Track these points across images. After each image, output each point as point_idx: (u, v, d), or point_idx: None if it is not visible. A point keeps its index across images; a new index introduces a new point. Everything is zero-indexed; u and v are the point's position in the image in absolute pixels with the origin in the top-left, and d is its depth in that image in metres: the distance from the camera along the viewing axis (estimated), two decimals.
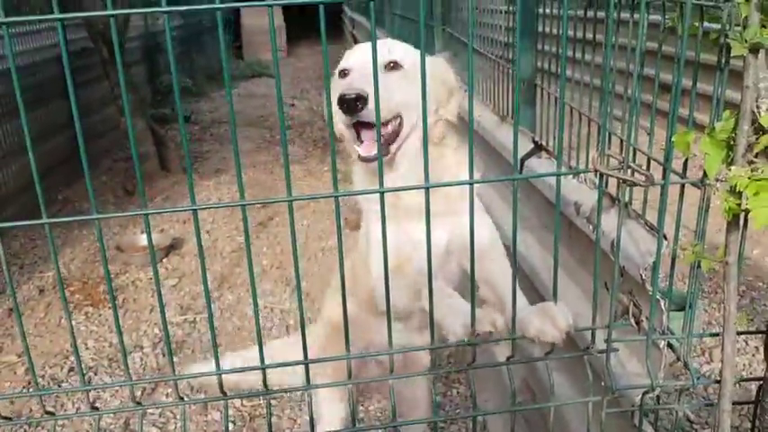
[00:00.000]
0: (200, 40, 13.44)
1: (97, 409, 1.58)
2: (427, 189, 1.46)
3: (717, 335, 1.63)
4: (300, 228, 5.99)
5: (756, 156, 1.39)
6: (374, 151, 1.79)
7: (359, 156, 1.87)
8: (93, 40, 7.17)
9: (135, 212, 1.49)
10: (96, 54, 7.26)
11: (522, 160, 2.62)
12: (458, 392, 3.53)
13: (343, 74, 1.95)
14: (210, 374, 1.61)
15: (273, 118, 10.56)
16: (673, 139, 1.48)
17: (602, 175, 1.60)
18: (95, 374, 4.02)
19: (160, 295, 1.53)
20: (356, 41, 12.47)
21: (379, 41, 1.55)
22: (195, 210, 1.46)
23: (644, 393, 1.61)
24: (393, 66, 1.93)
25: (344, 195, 1.58)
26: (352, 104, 1.74)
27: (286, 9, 16.15)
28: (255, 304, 1.54)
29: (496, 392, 2.93)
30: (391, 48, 1.97)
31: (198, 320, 4.53)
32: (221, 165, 8.05)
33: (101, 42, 7.05)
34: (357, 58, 1.95)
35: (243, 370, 1.81)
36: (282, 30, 16.95)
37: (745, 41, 1.31)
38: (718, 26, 1.39)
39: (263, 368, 1.60)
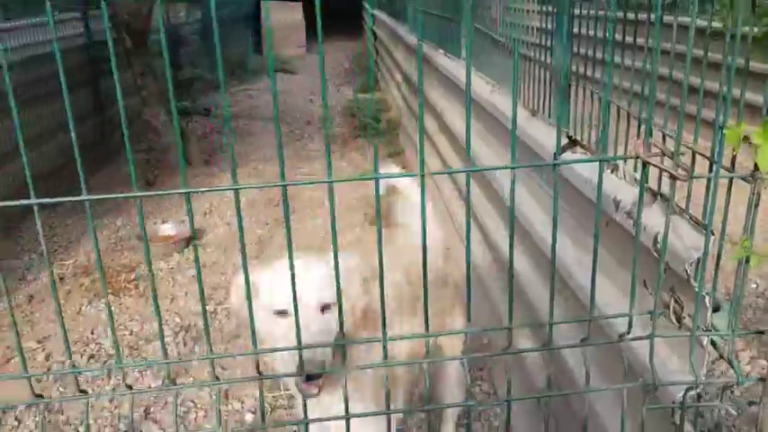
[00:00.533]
0: (223, 35, 13.44)
1: (131, 387, 1.57)
2: (422, 177, 1.43)
3: (762, 332, 1.59)
4: (318, 224, 5.98)
5: None
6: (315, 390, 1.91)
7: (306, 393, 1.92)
8: (116, 31, 7.21)
9: (176, 191, 1.47)
10: (120, 44, 7.29)
11: (556, 155, 2.59)
12: (480, 389, 3.50)
13: (282, 314, 1.97)
14: (248, 354, 1.60)
15: (293, 113, 10.57)
16: (724, 131, 1.45)
17: (645, 163, 1.57)
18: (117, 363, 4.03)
19: (200, 278, 1.52)
20: (376, 38, 12.46)
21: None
22: (236, 189, 1.45)
23: (687, 390, 1.58)
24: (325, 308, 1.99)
25: (339, 182, 1.54)
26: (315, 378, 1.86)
27: (307, 4, 16.18)
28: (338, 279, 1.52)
29: (522, 389, 2.90)
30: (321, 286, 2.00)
31: (218, 311, 4.53)
32: (239, 158, 8.04)
33: (124, 32, 7.08)
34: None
35: (280, 350, 1.80)
36: (302, 26, 16.95)
37: None
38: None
39: (300, 348, 1.58)
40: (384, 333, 1.56)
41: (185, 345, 4.15)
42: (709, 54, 1.63)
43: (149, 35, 7.56)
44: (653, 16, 1.57)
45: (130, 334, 4.31)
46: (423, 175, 1.50)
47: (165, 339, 4.19)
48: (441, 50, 5.75)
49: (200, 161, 7.65)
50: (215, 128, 9.54)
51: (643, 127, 1.62)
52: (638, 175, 1.69)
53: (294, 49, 16.21)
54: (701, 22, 1.61)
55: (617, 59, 2.27)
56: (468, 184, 1.52)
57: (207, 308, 4.83)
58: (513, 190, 1.50)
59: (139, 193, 1.42)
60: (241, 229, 1.47)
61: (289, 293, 1.65)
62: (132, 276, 5.11)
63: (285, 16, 16.05)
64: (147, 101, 7.45)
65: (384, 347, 1.58)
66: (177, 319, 4.46)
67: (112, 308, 4.63)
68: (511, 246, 1.55)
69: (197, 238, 5.73)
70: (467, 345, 2.16)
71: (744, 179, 1.51)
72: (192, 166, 7.56)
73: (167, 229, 5.74)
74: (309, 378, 1.88)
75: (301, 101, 11.31)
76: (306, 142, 8.78)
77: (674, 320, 1.71)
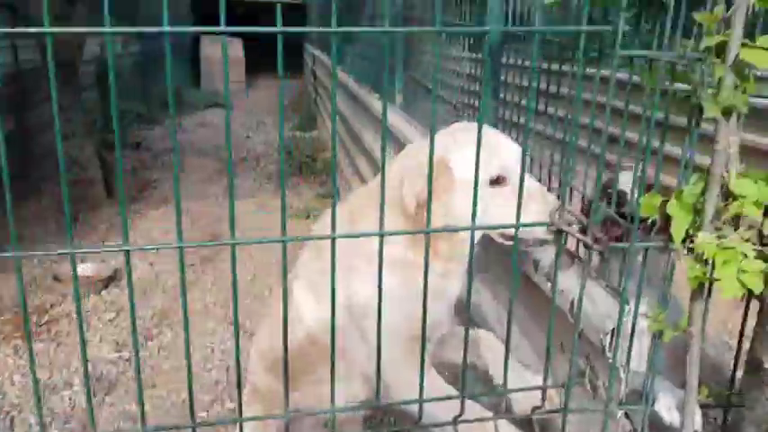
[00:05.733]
0: (158, 68, 13.27)
1: None
2: (333, 240, 1.36)
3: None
4: (248, 264, 5.81)
5: (724, 223, 1.34)
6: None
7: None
8: (44, 60, 6.97)
9: (60, 252, 1.34)
10: (47, 74, 7.05)
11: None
12: None
13: (500, 181, 1.80)
14: None
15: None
16: (639, 200, 1.42)
17: (560, 231, 1.53)
18: (19, 413, 3.76)
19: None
20: (315, 77, 12.47)
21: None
22: (128, 251, 1.33)
23: None
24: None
25: (293, 241, 1.47)
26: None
27: (246, 41, 16.12)
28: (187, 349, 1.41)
29: None
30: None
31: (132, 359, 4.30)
32: (171, 194, 7.83)
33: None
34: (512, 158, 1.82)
35: (170, 429, 1.66)
36: (241, 63, 16.90)
37: (719, 103, 1.27)
38: (688, 86, 1.35)
39: (194, 426, 1.46)
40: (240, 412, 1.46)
41: (95, 395, 3.90)
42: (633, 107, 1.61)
43: (80, 66, 7.34)
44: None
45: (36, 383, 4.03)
46: (334, 238, 1.42)
47: (74, 388, 3.99)
48: (376, 95, 5.75)
49: (128, 197, 7.40)
50: (143, 162, 9.28)
51: (558, 194, 1.58)
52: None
53: (233, 83, 16.10)
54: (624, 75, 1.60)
55: (541, 107, 2.27)
56: (381, 247, 1.44)
57: (122, 355, 4.51)
58: (426, 256, 1.43)
59: (17, 253, 1.29)
60: (132, 306, 1.35)
61: (503, 156, 1.74)
62: (45, 319, 4.82)
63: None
64: (74, 133, 7.19)
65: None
66: (90, 367, 4.19)
67: (21, 352, 4.36)
68: (468, 301, 1.48)
69: (117, 278, 5.49)
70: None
71: (659, 249, 1.49)
72: (118, 201, 7.30)
73: (86, 269, 5.47)
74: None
75: (237, 137, 11.15)
76: (240, 179, 8.61)
77: (590, 389, 1.66)
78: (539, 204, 1.64)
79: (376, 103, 5.51)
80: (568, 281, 1.79)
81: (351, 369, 1.93)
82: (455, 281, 1.94)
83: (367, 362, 1.88)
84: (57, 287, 5.24)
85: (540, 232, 1.69)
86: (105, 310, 4.95)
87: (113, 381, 4.06)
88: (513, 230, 1.69)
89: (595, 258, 2.07)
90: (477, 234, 1.85)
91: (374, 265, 1.37)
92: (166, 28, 1.18)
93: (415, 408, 1.59)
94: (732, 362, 1.60)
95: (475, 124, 2.05)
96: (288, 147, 10.04)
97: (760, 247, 1.33)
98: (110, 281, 5.39)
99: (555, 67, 2.24)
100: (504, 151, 1.80)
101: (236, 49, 16.37)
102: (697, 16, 1.26)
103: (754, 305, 1.44)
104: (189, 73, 16.06)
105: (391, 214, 1.69)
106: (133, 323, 1.37)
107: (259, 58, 15.25)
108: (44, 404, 3.84)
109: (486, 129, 1.84)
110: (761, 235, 1.34)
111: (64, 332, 4.66)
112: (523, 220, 1.44)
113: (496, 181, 1.78)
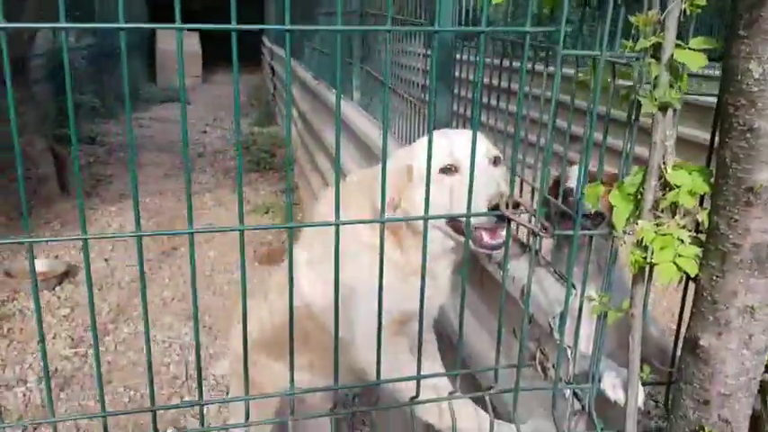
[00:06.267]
0: (113, 62, 13.03)
1: None
2: (290, 228, 1.41)
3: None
4: (206, 260, 5.80)
5: (662, 211, 1.42)
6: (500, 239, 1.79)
7: (486, 246, 1.83)
8: None
9: (17, 239, 1.36)
10: None
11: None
12: None
13: (450, 170, 1.87)
14: (94, 417, 1.48)
15: None
16: (583, 191, 1.50)
17: (509, 220, 1.60)
18: None
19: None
20: (274, 73, 12.41)
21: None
22: (86, 239, 1.34)
23: None
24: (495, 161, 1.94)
25: (252, 229, 1.51)
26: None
27: (203, 35, 15.92)
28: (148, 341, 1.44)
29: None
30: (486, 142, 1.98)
31: (89, 354, 4.26)
32: (126, 190, 7.72)
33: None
34: (464, 151, 1.86)
35: (130, 412, 1.68)
36: (198, 57, 16.69)
37: (655, 100, 1.35)
38: (629, 83, 1.43)
39: (154, 410, 1.49)
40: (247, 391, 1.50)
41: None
42: (579, 102, 1.68)
43: (30, 60, 7.18)
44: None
45: None
46: (291, 227, 1.47)
47: (28, 385, 3.95)
48: (334, 90, 5.78)
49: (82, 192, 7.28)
50: (97, 157, 9.13)
51: (507, 183, 1.65)
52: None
53: (189, 78, 15.87)
54: (570, 70, 1.67)
55: (493, 103, 2.34)
56: (337, 237, 1.49)
57: (77, 351, 4.48)
58: (382, 245, 1.48)
59: None
60: (91, 296, 1.37)
61: (455, 150, 1.82)
62: None
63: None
64: (25, 128, 7.03)
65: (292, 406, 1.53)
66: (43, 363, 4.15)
67: None
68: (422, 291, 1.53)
69: (71, 275, 5.42)
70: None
71: (602, 236, 1.57)
72: (72, 197, 7.18)
73: (40, 265, 5.37)
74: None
75: (194, 132, 11.03)
76: (197, 174, 8.54)
77: (540, 371, 1.74)
78: (486, 188, 1.71)
79: (334, 99, 5.54)
80: (520, 270, 1.87)
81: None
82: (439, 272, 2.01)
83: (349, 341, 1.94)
84: (9, 283, 5.15)
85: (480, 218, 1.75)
86: (59, 307, 4.89)
87: (68, 377, 4.03)
88: (461, 222, 1.78)
89: (548, 248, 2.16)
90: (436, 228, 1.90)
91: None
92: (123, 24, 1.20)
93: (398, 387, 1.74)
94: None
95: (450, 130, 2.14)
96: (245, 142, 10.00)
97: (695, 234, 1.42)
98: (63, 277, 5.32)
99: (507, 63, 2.31)
100: (456, 144, 1.87)
101: (193, 43, 16.14)
102: (633, 19, 1.34)
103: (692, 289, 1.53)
104: (145, 67, 15.80)
105: (366, 207, 1.93)
106: (92, 311, 1.39)
107: (217, 52, 15.11)
108: None
109: (452, 130, 2.02)
110: (696, 222, 1.43)
111: (16, 329, 4.59)
112: (474, 205, 1.50)
113: (448, 170, 1.85)
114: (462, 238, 1.83)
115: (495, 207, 1.62)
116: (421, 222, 1.82)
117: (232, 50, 1.29)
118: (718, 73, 1.52)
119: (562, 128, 1.78)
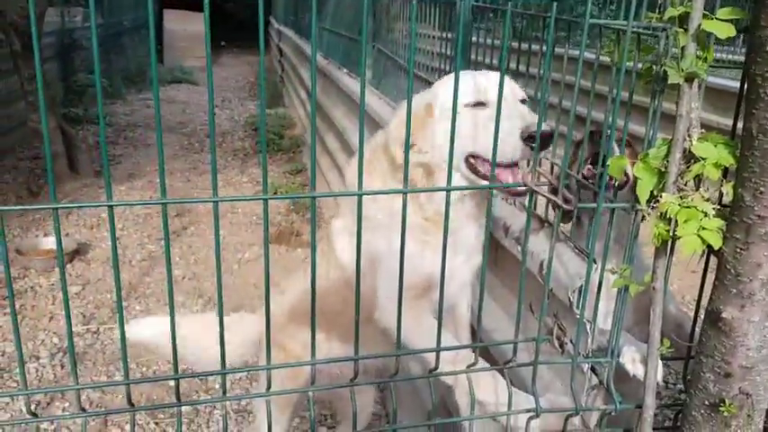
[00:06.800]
0: (120, 42, 12.99)
1: None
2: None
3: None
4: (220, 236, 5.80)
5: (686, 184, 1.41)
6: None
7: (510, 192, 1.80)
8: (3, 32, 6.79)
9: (43, 206, 1.36)
10: (6, 46, 6.88)
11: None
12: (373, 413, 3.46)
13: (480, 105, 1.85)
14: (117, 384, 1.50)
15: (192, 124, 10.30)
16: (607, 162, 1.49)
17: (532, 192, 1.60)
18: None
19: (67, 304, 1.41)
20: (282, 54, 12.35)
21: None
22: (111, 206, 1.35)
23: (567, 417, 1.60)
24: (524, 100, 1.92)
25: (276, 199, 1.51)
26: (548, 141, 1.66)
27: (211, 15, 15.84)
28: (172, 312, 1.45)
29: (412, 412, 2.89)
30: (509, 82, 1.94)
31: (101, 331, 4.29)
32: (134, 169, 7.74)
33: (12, 34, 6.67)
34: (491, 88, 1.85)
35: (155, 380, 1.69)
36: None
37: (682, 70, 1.34)
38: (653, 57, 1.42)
39: (177, 378, 1.50)
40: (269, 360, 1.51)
41: (62, 367, 3.89)
42: (597, 86, 1.68)
43: (40, 37, 7.16)
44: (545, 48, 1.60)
45: (2, 355, 4.01)
46: (314, 197, 1.47)
47: (41, 361, 3.97)
48: (344, 70, 5.76)
49: (91, 171, 7.29)
50: (106, 137, 9.12)
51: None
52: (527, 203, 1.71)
53: (197, 59, 15.82)
54: (590, 55, 1.66)
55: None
56: (405, 203, 1.48)
57: (89, 327, 4.49)
58: (404, 214, 1.47)
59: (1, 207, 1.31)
60: (116, 262, 1.38)
61: (481, 86, 1.81)
62: (5, 293, 4.76)
63: (188, 26, 15.65)
64: (34, 107, 7.04)
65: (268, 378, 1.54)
66: (55, 340, 4.18)
67: None
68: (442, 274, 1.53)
69: (82, 252, 5.44)
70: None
71: (625, 210, 1.57)
72: (81, 176, 7.20)
73: (49, 242, 5.41)
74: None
75: (202, 113, 11.03)
76: (205, 155, 8.55)
77: (557, 346, 1.74)
78: (515, 119, 1.70)
79: (345, 79, 5.52)
80: (538, 244, 1.86)
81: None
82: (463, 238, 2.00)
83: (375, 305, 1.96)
84: (19, 260, 5.17)
85: (512, 150, 1.73)
86: (71, 284, 4.91)
87: (81, 353, 4.05)
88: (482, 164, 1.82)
89: (567, 223, 2.15)
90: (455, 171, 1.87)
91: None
92: None
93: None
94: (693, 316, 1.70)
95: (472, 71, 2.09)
96: (254, 124, 9.99)
97: (719, 206, 1.42)
98: (74, 255, 5.34)
99: (525, 46, 2.30)
100: (482, 80, 1.86)
101: (200, 23, 16.07)
102: None
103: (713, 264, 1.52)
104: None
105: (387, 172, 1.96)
106: (117, 277, 1.40)
107: (224, 35, 15.04)
108: (10, 376, 3.82)
109: (472, 71, 1.96)
110: (720, 195, 1.42)
111: (28, 305, 4.62)
112: (501, 136, 1.48)
113: (475, 105, 1.84)
114: (481, 181, 1.83)
115: (528, 138, 1.65)
116: (438, 162, 1.83)
117: (240, 32, 1.29)
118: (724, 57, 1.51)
119: (581, 115, 1.76)
